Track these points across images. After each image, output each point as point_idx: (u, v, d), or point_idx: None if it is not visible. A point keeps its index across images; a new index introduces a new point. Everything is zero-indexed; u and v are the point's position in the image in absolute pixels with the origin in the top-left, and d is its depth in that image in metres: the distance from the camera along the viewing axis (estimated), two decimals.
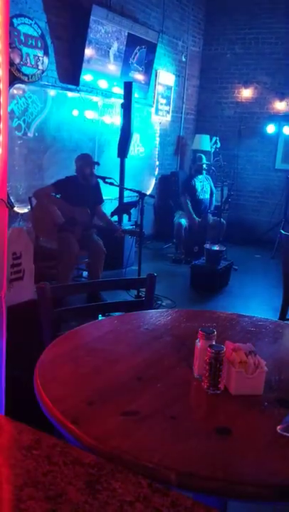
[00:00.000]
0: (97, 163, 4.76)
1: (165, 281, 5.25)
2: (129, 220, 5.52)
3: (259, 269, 6.36)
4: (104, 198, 4.94)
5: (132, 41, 6.03)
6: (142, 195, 4.56)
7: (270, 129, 7.64)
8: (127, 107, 5.71)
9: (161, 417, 1.25)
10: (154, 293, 2.25)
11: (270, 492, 1.03)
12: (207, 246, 5.42)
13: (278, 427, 1.21)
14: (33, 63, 4.72)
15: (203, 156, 6.75)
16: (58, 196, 4.54)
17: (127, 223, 5.67)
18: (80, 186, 4.57)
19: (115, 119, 6.02)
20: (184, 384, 1.44)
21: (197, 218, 6.42)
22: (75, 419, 1.19)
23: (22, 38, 4.55)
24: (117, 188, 5.50)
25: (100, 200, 4.83)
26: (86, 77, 5.43)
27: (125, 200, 5.82)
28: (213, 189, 6.77)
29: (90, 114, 5.74)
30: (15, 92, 4.63)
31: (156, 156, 7.36)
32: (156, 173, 7.40)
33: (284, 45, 7.53)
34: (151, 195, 5.34)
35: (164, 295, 4.76)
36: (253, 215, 8.03)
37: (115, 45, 5.78)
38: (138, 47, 6.20)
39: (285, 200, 7.46)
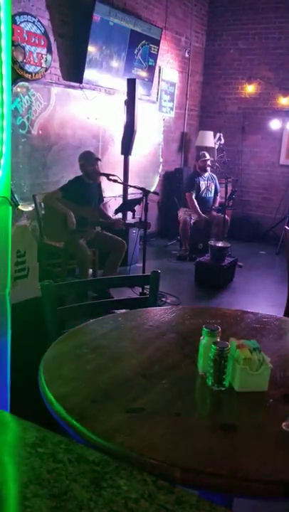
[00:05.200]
0: (99, 159, 4.73)
1: (169, 278, 5.25)
2: (134, 217, 5.53)
3: (264, 266, 6.34)
4: (107, 195, 4.94)
5: (135, 38, 6.02)
6: (146, 192, 4.56)
7: (274, 124, 7.60)
8: (130, 104, 5.70)
9: (166, 413, 1.25)
10: (159, 290, 2.25)
11: (275, 489, 1.03)
12: (211, 243, 5.41)
13: (283, 424, 1.21)
14: (36, 61, 4.72)
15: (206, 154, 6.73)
16: (66, 200, 4.52)
17: (131, 220, 5.67)
18: (87, 186, 4.56)
19: (119, 116, 6.01)
20: (188, 381, 1.44)
21: (203, 215, 6.41)
22: (80, 416, 1.19)
23: (25, 35, 4.55)
24: (121, 186, 5.49)
25: (101, 199, 4.85)
26: (89, 75, 5.42)
27: (129, 197, 5.81)
28: (218, 188, 6.73)
29: (93, 111, 5.73)
30: (18, 90, 4.63)
31: (160, 152, 7.34)
32: (160, 170, 7.38)
33: (288, 40, 7.48)
34: (155, 192, 5.31)
35: (168, 292, 4.76)
36: (257, 212, 8.00)
37: (118, 42, 5.76)
38: (141, 43, 6.18)
39: None
